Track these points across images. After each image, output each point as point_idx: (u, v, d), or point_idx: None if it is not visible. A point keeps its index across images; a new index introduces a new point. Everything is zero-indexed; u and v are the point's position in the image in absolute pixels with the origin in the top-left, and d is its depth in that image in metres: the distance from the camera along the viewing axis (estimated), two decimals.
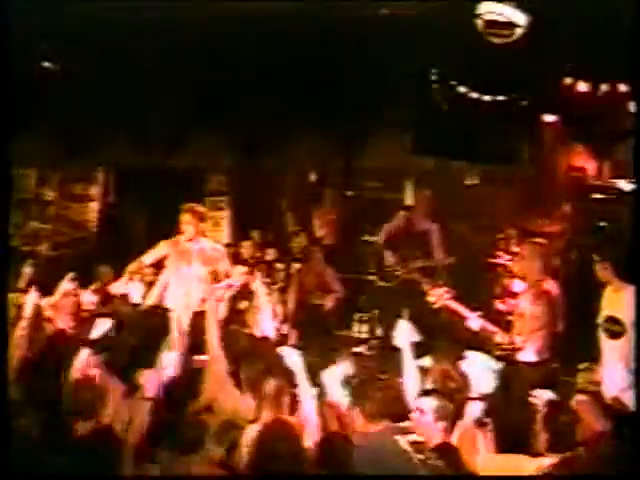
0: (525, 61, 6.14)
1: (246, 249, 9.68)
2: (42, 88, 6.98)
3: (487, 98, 6.62)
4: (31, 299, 6.16)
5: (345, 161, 8.31)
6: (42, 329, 6.69)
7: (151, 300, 7.58)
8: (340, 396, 5.41)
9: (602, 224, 8.21)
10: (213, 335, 6.07)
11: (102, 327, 6.04)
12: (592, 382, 6.08)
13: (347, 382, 5.63)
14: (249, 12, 6.11)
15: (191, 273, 7.85)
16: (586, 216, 8.40)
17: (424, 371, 5.64)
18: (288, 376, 5.65)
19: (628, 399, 5.58)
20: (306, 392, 5.42)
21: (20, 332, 5.97)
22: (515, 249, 8.15)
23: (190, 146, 7.63)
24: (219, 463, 4.74)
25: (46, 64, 6.89)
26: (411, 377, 5.52)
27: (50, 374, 5.87)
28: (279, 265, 9.41)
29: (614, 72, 6.63)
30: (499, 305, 7.72)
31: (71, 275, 6.75)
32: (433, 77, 6.36)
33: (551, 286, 6.60)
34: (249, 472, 4.55)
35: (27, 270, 7.39)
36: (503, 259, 8.20)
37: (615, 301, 5.97)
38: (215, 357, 5.93)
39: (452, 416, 4.83)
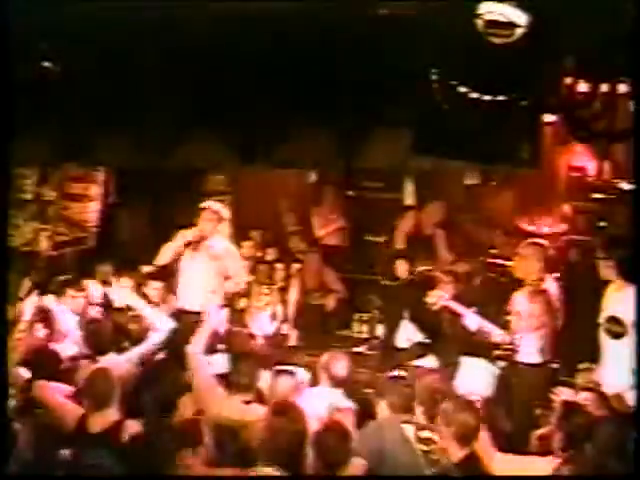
0: (525, 61, 6.13)
1: (246, 249, 9.69)
2: (42, 88, 6.97)
3: (487, 98, 6.60)
4: (30, 302, 6.18)
5: (345, 161, 8.27)
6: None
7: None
8: None
9: (602, 224, 8.22)
10: (200, 341, 6.03)
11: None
12: (592, 382, 6.08)
13: None
14: (249, 12, 6.10)
15: (202, 270, 7.89)
16: (586, 216, 8.41)
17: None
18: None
19: (628, 399, 5.58)
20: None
21: (19, 335, 5.99)
22: (514, 249, 8.17)
23: (190, 146, 7.61)
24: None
25: (46, 64, 6.88)
26: None
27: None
28: (279, 265, 9.43)
29: (614, 72, 6.62)
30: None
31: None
32: (433, 77, 6.35)
33: (550, 286, 6.61)
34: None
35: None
36: (503, 259, 8.21)
37: (616, 301, 5.98)
38: (197, 366, 5.90)
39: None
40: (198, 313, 7.56)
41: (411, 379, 5.59)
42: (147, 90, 7.06)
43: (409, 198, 9.70)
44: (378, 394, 5.47)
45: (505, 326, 6.84)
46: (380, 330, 8.96)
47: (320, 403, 5.81)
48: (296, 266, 9.39)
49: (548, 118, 7.83)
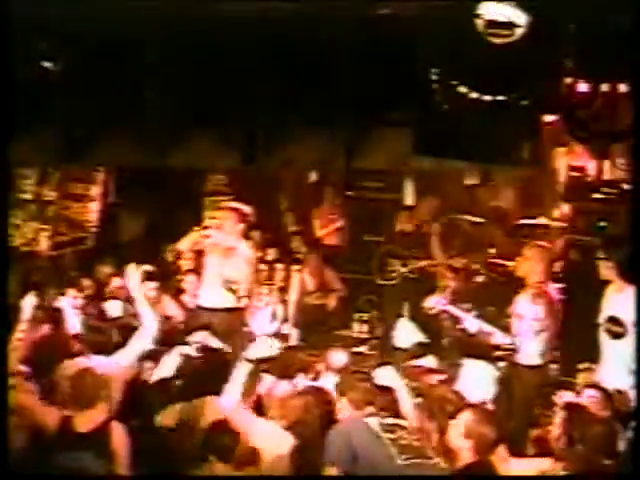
0: (525, 61, 6.13)
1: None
2: (42, 88, 6.97)
3: (487, 98, 6.60)
4: (29, 302, 6.16)
5: (345, 161, 8.27)
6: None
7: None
8: None
9: (602, 224, 8.22)
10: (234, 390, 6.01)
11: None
12: (592, 382, 6.08)
13: None
14: (249, 12, 6.11)
15: (222, 269, 7.91)
16: (586, 216, 8.40)
17: None
18: None
19: (629, 399, 5.58)
20: None
21: (19, 335, 5.97)
22: (515, 249, 8.16)
23: (190, 146, 7.61)
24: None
25: (46, 64, 6.88)
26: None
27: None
28: (279, 265, 9.43)
29: (614, 72, 6.62)
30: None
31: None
32: (433, 77, 6.35)
33: (552, 290, 6.60)
34: None
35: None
36: (503, 259, 8.21)
37: (616, 301, 5.97)
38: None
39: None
40: (217, 310, 7.63)
41: (410, 383, 5.58)
42: (147, 90, 7.06)
43: (409, 198, 9.70)
44: (340, 392, 5.43)
45: (506, 328, 6.83)
46: (380, 330, 8.97)
47: None
48: (296, 266, 9.39)
49: (548, 118, 7.84)
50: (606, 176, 8.34)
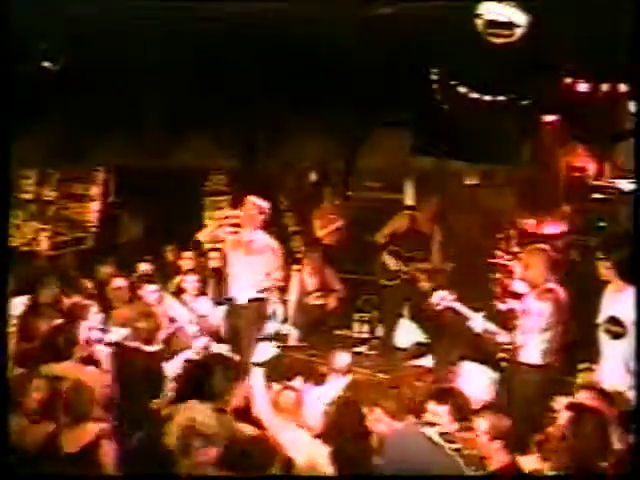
0: (525, 61, 6.13)
1: None
2: (42, 88, 6.97)
3: (487, 98, 6.61)
4: (19, 301, 6.16)
5: (345, 161, 8.30)
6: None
7: None
8: None
9: (602, 224, 8.21)
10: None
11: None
12: (592, 382, 6.07)
13: None
14: (249, 12, 6.11)
15: (245, 264, 7.91)
16: (586, 216, 8.39)
17: None
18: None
19: (628, 400, 5.57)
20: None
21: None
22: (515, 249, 8.16)
23: (190, 146, 7.62)
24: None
25: (46, 64, 6.88)
26: None
27: None
28: None
29: (614, 72, 6.62)
30: (500, 305, 7.70)
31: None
32: (433, 77, 6.36)
33: (557, 289, 6.58)
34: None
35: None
36: (503, 259, 8.20)
37: (616, 301, 5.96)
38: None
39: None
40: (245, 303, 7.69)
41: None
42: (147, 90, 7.07)
43: (409, 198, 9.69)
44: (372, 402, 5.41)
45: (510, 327, 6.82)
46: (380, 330, 8.96)
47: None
48: (296, 266, 9.38)
49: (548, 118, 7.85)
50: (606, 176, 8.34)
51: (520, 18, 5.88)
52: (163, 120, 7.27)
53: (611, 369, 5.93)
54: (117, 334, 7.05)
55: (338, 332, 8.99)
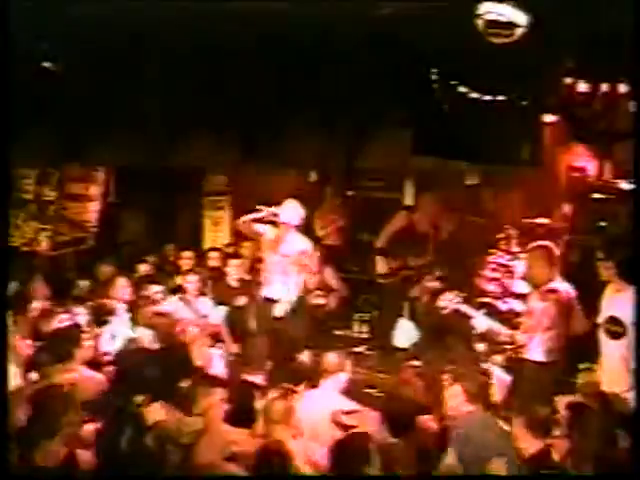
0: (525, 61, 6.13)
1: (246, 249, 9.68)
2: (42, 88, 6.97)
3: (487, 98, 6.61)
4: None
5: (345, 161, 8.29)
6: None
7: None
8: None
9: (603, 224, 8.21)
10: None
11: None
12: (592, 382, 6.07)
13: None
14: (249, 11, 6.11)
15: (281, 264, 7.92)
16: (586, 216, 8.39)
17: None
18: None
19: (628, 400, 5.57)
20: None
21: None
22: (515, 249, 8.16)
23: (190, 146, 7.62)
24: None
25: (46, 64, 6.89)
26: None
27: None
28: None
29: (614, 72, 6.62)
30: (500, 305, 7.70)
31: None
32: (433, 77, 6.36)
33: (562, 286, 6.58)
34: None
35: None
36: (503, 259, 8.19)
37: (616, 301, 5.96)
38: None
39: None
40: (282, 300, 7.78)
41: None
42: (147, 90, 7.07)
43: (409, 198, 9.68)
44: (455, 378, 5.51)
45: (514, 325, 6.82)
46: (380, 330, 8.95)
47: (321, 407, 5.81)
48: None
49: (548, 118, 7.84)
50: (606, 176, 8.34)
51: (520, 18, 5.88)
52: (163, 120, 7.26)
53: (611, 369, 5.93)
54: (141, 334, 7.12)
55: (338, 332, 8.99)
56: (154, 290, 8.03)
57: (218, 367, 7.06)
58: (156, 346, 6.97)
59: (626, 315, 5.81)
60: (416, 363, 7.39)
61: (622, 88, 7.07)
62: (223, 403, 5.49)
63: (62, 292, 8.07)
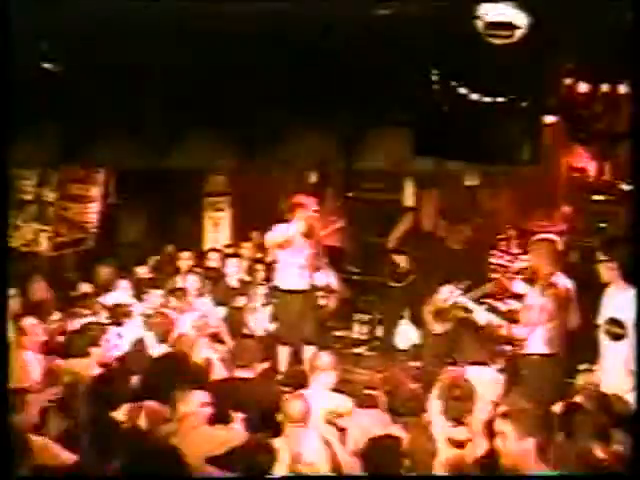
0: (525, 61, 6.13)
1: (246, 249, 9.70)
2: (42, 88, 6.97)
3: (487, 99, 6.60)
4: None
5: (345, 161, 8.26)
6: None
7: None
8: None
9: (602, 225, 8.22)
10: None
11: None
12: (592, 383, 6.07)
13: None
14: (249, 12, 6.10)
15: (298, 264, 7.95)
16: (586, 217, 8.40)
17: None
18: None
19: (628, 401, 5.57)
20: None
21: None
22: (515, 250, 8.17)
23: (190, 146, 7.61)
24: None
25: (46, 64, 6.88)
26: None
27: None
28: None
29: (614, 72, 6.62)
30: (500, 305, 7.72)
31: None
32: (433, 77, 6.35)
33: (561, 281, 6.58)
34: None
35: None
36: (503, 259, 8.20)
37: (616, 302, 5.96)
38: None
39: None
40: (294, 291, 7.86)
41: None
42: (147, 90, 7.07)
43: (409, 199, 9.69)
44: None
45: (514, 319, 6.83)
46: (380, 331, 8.96)
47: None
48: None
49: (548, 119, 7.84)
50: (606, 177, 8.35)
51: (520, 19, 5.88)
52: (163, 120, 7.26)
53: (611, 370, 5.93)
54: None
55: (338, 333, 9.00)
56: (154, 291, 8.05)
57: (218, 368, 7.06)
58: (156, 347, 6.98)
59: (627, 316, 5.81)
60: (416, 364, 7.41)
61: (622, 89, 7.07)
62: (205, 406, 5.45)
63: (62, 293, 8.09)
